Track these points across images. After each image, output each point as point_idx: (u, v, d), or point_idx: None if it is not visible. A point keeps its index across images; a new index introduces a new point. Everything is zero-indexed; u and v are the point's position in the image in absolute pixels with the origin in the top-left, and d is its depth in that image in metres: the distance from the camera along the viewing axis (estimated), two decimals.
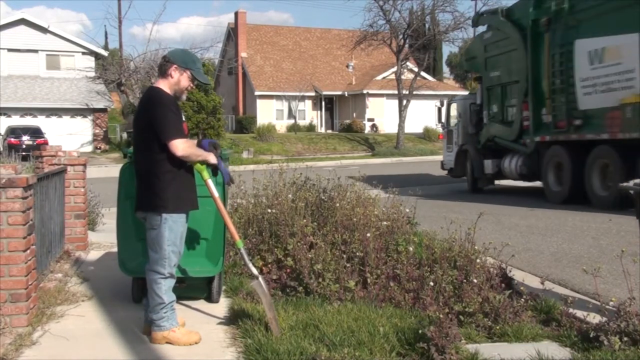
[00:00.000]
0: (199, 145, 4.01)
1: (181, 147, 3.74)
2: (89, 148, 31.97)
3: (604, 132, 10.94)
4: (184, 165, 3.85)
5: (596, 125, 11.15)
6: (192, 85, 3.96)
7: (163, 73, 3.89)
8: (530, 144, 13.02)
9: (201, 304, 4.78)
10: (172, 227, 3.81)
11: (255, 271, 4.08)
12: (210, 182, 3.96)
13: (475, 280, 4.62)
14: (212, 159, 3.92)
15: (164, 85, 3.89)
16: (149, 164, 3.82)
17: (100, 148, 32.61)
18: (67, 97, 32.44)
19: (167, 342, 3.85)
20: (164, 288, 3.86)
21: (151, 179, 3.82)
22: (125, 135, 34.79)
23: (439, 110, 18.11)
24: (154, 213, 3.82)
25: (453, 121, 16.69)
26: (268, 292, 4.06)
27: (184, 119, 4.01)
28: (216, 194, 3.97)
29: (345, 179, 6.74)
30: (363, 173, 7.45)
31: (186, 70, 3.87)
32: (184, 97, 4.00)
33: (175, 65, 3.86)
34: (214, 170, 4.01)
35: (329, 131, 41.39)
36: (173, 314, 3.91)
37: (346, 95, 41.41)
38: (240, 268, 5.49)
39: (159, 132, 3.73)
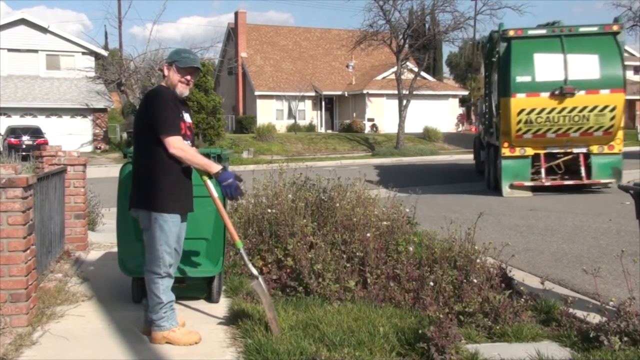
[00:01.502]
0: (222, 170, 3.88)
1: (174, 144, 3.72)
2: (89, 148, 31.96)
3: (493, 139, 15.72)
4: (181, 165, 3.84)
5: (494, 134, 15.57)
6: (185, 77, 3.91)
7: (163, 75, 3.98)
8: (485, 142, 17.40)
9: (201, 304, 4.78)
10: (163, 227, 3.79)
11: (255, 271, 4.08)
12: (209, 183, 3.94)
13: (475, 280, 4.62)
14: (213, 168, 3.83)
15: (167, 84, 3.95)
16: (145, 162, 3.83)
17: (100, 148, 32.61)
18: (67, 97, 32.42)
19: (167, 342, 3.85)
20: (162, 288, 3.86)
21: (145, 177, 3.82)
22: (125, 135, 34.76)
23: (469, 108, 25.36)
24: (144, 211, 3.83)
25: None
26: (268, 293, 4.06)
27: (188, 119, 3.99)
28: (215, 194, 3.96)
29: (345, 180, 6.73)
30: (363, 173, 7.44)
31: (172, 64, 3.91)
32: (185, 92, 3.96)
33: (165, 64, 3.96)
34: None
35: (329, 131, 41.39)
36: (173, 314, 3.91)
37: (346, 95, 41.42)
38: (240, 268, 5.49)
39: (155, 126, 3.73)
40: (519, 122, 13.49)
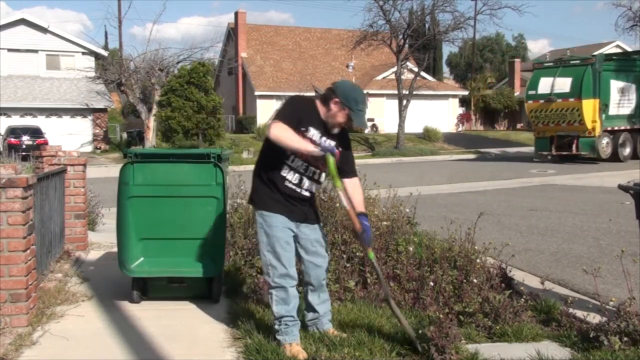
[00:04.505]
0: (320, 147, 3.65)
1: (274, 127, 3.52)
2: (88, 148, 31.94)
3: None
4: (280, 171, 3.71)
5: None
6: (347, 123, 3.80)
7: (324, 101, 3.78)
8: None
9: (201, 304, 4.77)
10: (263, 226, 3.68)
11: (385, 286, 3.92)
12: (341, 194, 3.75)
13: (475, 280, 4.62)
14: (309, 147, 3.56)
15: (320, 107, 3.78)
16: (257, 161, 3.84)
17: (100, 148, 32.60)
18: (67, 97, 32.41)
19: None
20: (274, 299, 3.67)
21: (253, 175, 3.83)
22: (125, 135, 34.75)
23: None
24: (253, 210, 3.82)
25: None
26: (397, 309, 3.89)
27: (317, 138, 3.70)
28: (347, 205, 3.76)
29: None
30: (363, 173, 7.42)
31: (345, 107, 3.73)
32: (336, 130, 3.80)
33: (336, 99, 3.74)
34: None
35: None
36: (289, 330, 3.67)
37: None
38: (240, 268, 5.48)
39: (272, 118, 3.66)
40: (532, 117, 24.21)
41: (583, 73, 21.92)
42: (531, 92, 23.70)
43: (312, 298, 3.90)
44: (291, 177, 3.73)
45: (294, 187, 3.74)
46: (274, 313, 3.68)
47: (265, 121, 36.37)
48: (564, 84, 22.43)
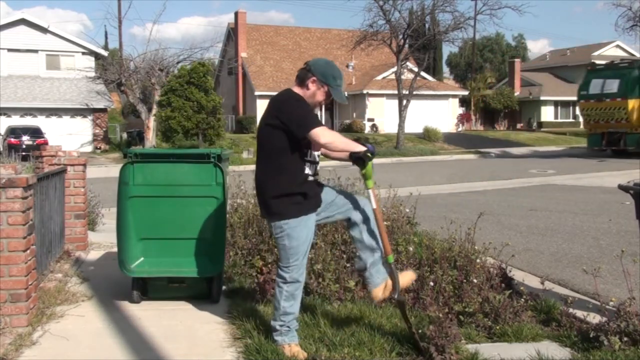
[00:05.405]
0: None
1: (324, 133, 3.52)
2: (88, 148, 31.94)
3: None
4: (303, 172, 3.68)
5: None
6: (326, 101, 3.77)
7: (301, 82, 3.72)
8: None
9: (201, 304, 4.78)
10: (291, 235, 3.62)
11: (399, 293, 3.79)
12: (371, 193, 3.71)
13: (475, 280, 4.62)
14: (358, 147, 3.60)
15: (299, 90, 3.73)
16: (268, 169, 3.66)
17: (100, 148, 32.59)
18: (67, 97, 32.41)
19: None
20: (285, 294, 3.65)
21: (268, 185, 3.68)
22: (125, 135, 34.75)
23: None
24: (270, 220, 3.71)
25: None
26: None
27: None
28: (374, 205, 3.73)
29: (345, 180, 6.72)
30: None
31: (324, 85, 3.68)
32: (316, 111, 3.81)
33: (314, 78, 3.68)
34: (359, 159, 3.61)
35: None
36: (289, 331, 3.68)
37: (346, 95, 41.21)
38: (240, 268, 5.48)
39: (297, 125, 3.51)
40: (584, 115, 27.53)
41: (630, 75, 24.79)
42: (583, 93, 26.82)
43: (354, 233, 3.86)
44: (311, 170, 3.75)
45: (313, 177, 3.78)
46: (281, 308, 3.64)
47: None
48: (612, 85, 25.52)
